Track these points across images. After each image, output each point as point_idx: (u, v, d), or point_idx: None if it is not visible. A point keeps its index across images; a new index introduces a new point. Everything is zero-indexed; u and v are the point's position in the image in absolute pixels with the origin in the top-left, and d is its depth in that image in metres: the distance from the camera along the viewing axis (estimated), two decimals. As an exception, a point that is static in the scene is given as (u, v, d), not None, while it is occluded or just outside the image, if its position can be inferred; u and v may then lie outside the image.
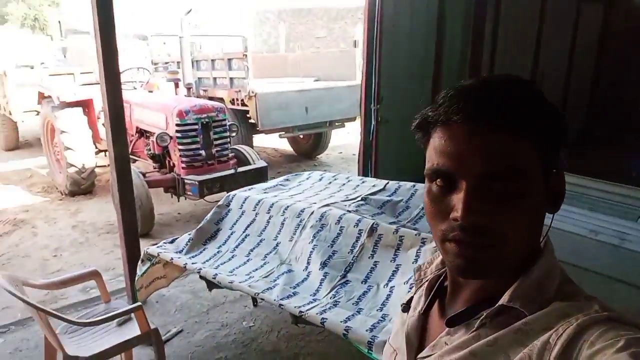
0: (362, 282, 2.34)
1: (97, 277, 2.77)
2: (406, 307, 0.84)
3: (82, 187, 6.24)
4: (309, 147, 8.23)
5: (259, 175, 5.09)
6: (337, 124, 7.53)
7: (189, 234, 3.04)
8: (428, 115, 0.66)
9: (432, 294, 0.79)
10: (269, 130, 6.77)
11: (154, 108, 5.38)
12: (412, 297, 0.85)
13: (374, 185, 3.30)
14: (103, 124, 6.44)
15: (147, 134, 5.58)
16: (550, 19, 5.21)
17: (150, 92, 6.25)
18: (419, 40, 4.92)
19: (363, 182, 3.45)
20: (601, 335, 0.54)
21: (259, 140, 8.87)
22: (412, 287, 0.87)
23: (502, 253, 0.62)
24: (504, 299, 0.64)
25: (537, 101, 0.63)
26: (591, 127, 4.75)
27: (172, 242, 3.06)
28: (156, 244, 3.04)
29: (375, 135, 5.03)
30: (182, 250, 2.96)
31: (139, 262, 3.03)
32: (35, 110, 7.14)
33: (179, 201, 5.35)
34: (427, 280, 0.81)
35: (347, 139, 8.99)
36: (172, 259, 2.79)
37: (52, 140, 6.57)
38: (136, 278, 3.04)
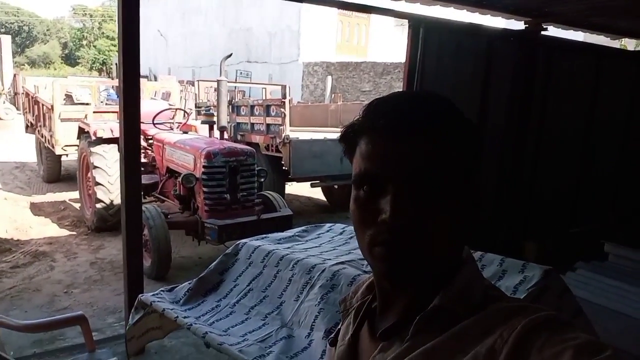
0: None
1: (83, 323, 2.51)
2: (334, 341, 0.81)
3: (109, 223, 6.17)
4: (343, 198, 7.93)
5: (284, 223, 4.82)
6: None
7: (189, 283, 2.78)
8: (354, 124, 0.68)
9: (359, 317, 0.76)
10: (301, 178, 6.57)
11: (184, 149, 5.29)
12: (338, 330, 0.82)
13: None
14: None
15: (176, 175, 5.47)
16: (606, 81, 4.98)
17: (185, 133, 6.21)
18: (464, 97, 4.71)
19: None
20: (547, 341, 0.54)
21: (293, 188, 8.70)
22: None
23: (429, 255, 0.63)
24: (435, 301, 0.64)
25: (455, 113, 0.66)
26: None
27: (170, 290, 2.81)
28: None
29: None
30: (179, 301, 2.69)
31: (132, 309, 2.76)
32: (76, 145, 7.25)
33: (199, 245, 5.13)
34: (353, 309, 0.80)
35: (384, 194, 8.67)
36: (164, 310, 2.52)
37: (86, 175, 6.61)
38: (127, 327, 2.77)
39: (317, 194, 8.82)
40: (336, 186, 7.83)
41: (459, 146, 0.64)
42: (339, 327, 0.83)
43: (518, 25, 5.10)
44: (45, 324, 2.43)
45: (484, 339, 0.58)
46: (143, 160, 6.42)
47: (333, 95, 10.95)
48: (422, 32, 4.49)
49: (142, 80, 9.47)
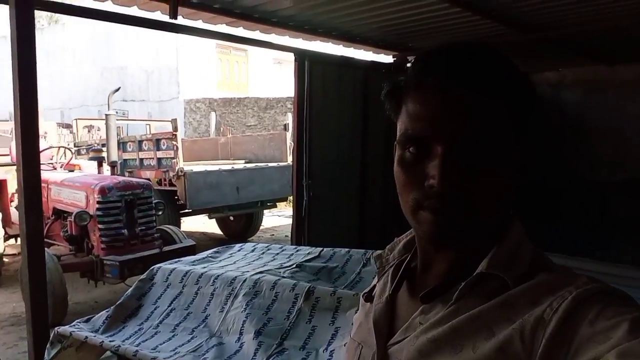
0: (300, 349, 2.19)
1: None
2: (369, 297, 0.78)
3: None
4: (239, 229, 8.04)
5: (187, 255, 4.82)
6: (268, 204, 7.48)
7: (107, 311, 2.74)
8: (400, 81, 0.64)
9: (399, 276, 0.74)
10: (199, 210, 6.58)
11: (73, 186, 5.09)
12: (374, 287, 0.79)
13: (308, 253, 3.21)
14: (16, 207, 5.99)
15: (65, 215, 5.21)
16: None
17: (71, 171, 5.94)
18: (347, 124, 5.21)
19: (297, 250, 3.36)
20: (600, 313, 0.52)
21: (187, 225, 8.58)
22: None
23: (476, 219, 0.61)
24: (482, 267, 0.62)
25: (507, 64, 0.62)
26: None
27: (87, 321, 2.73)
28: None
29: (307, 210, 5.04)
30: (98, 329, 2.64)
31: (48, 344, 2.65)
32: None
33: (96, 286, 4.92)
34: (390, 267, 0.77)
35: (279, 221, 8.92)
36: (86, 337, 2.48)
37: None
38: (42, 364, 2.64)
39: (212, 227, 8.78)
40: (232, 217, 7.92)
41: (514, 105, 0.61)
42: (374, 282, 0.81)
43: (388, 58, 5.79)
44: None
45: (533, 308, 0.56)
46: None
47: (222, 129, 11.06)
48: (308, 64, 4.93)
49: (8, 123, 8.76)
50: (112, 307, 2.77)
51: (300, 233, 5.08)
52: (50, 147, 6.34)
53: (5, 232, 5.94)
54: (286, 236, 7.70)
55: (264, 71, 17.66)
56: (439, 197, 0.59)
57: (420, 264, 0.71)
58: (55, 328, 2.63)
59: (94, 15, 3.50)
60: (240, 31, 4.50)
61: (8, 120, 16.33)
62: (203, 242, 8.39)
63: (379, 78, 5.34)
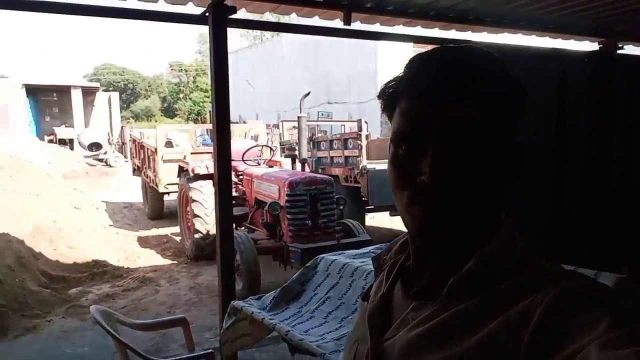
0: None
1: (184, 324, 2.91)
2: (366, 296, 0.82)
3: (205, 252, 6.75)
4: (424, 228, 7.98)
5: (363, 248, 5.05)
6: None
7: (274, 292, 3.09)
8: (394, 81, 0.68)
9: (393, 274, 0.77)
10: (380, 207, 6.77)
11: (270, 180, 5.77)
12: (371, 286, 0.83)
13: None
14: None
15: (263, 205, 5.94)
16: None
17: (271, 167, 6.73)
18: (540, 120, 4.73)
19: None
20: (584, 307, 0.53)
21: (375, 220, 8.91)
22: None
23: (466, 217, 0.63)
24: (470, 264, 0.63)
25: (500, 72, 0.64)
26: None
27: (258, 299, 3.13)
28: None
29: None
30: (265, 307, 3.00)
31: (225, 315, 3.12)
32: (176, 183, 8.07)
33: (285, 269, 5.49)
34: (387, 266, 0.80)
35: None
36: (252, 313, 2.84)
37: (185, 209, 7.32)
38: (221, 331, 3.12)
39: (399, 225, 8.93)
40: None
41: (503, 108, 0.63)
42: (372, 282, 0.84)
43: (592, 47, 5.09)
44: (154, 324, 2.86)
45: (519, 303, 0.57)
46: (234, 193, 7.02)
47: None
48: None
49: (233, 125, 10.37)
50: (278, 289, 3.11)
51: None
52: (256, 146, 7.27)
53: (232, 218, 7.04)
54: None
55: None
56: (430, 193, 0.61)
57: (414, 262, 0.73)
58: (232, 302, 3.07)
59: (273, 27, 3.91)
60: (418, 30, 4.51)
61: (238, 122, 19.04)
62: (387, 237, 8.61)
63: (579, 69, 4.76)
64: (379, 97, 0.71)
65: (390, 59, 16.31)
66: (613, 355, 0.46)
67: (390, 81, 0.69)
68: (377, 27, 4.69)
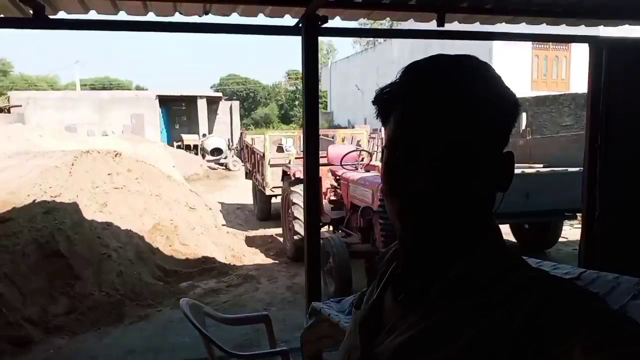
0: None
1: (267, 322, 3.03)
2: (358, 304, 0.82)
3: (304, 253, 6.92)
4: (534, 238, 7.44)
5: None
6: (567, 214, 6.67)
7: (354, 296, 3.09)
8: (388, 92, 0.68)
9: (384, 282, 0.77)
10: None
11: (364, 184, 5.78)
12: (364, 294, 0.83)
13: (565, 273, 2.81)
14: (329, 200, 7.20)
15: (358, 209, 5.97)
16: None
17: (368, 171, 6.73)
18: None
19: (555, 268, 2.98)
20: (568, 311, 0.53)
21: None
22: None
23: (458, 223, 0.64)
24: (457, 269, 0.64)
25: (491, 82, 0.65)
26: None
27: (338, 301, 3.14)
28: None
29: (602, 224, 4.32)
30: (344, 311, 3.01)
31: (307, 315, 3.19)
32: (280, 187, 8.41)
33: (377, 275, 5.46)
34: (379, 274, 0.80)
35: (585, 235, 7.79)
36: (330, 315, 2.87)
37: (287, 211, 7.60)
38: (302, 331, 3.19)
39: (506, 234, 8.41)
40: (527, 226, 7.42)
41: (496, 119, 0.64)
42: (365, 290, 0.84)
43: None
44: (238, 319, 3.01)
45: (503, 306, 0.57)
46: (333, 197, 7.14)
47: (523, 130, 10.42)
48: (605, 53, 4.22)
49: (337, 130, 10.53)
50: (358, 293, 3.10)
51: (591, 251, 4.39)
52: (355, 151, 7.31)
53: (320, 220, 7.19)
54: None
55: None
56: (423, 200, 0.63)
57: (403, 268, 0.73)
58: (312, 303, 3.13)
59: (365, 33, 3.92)
60: (523, 27, 4.25)
61: (346, 127, 19.30)
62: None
63: None
64: (373, 102, 0.71)
65: (506, 58, 15.43)
66: (595, 357, 0.46)
67: (385, 87, 0.69)
68: (477, 27, 4.50)
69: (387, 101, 0.69)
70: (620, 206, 4.22)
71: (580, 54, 15.76)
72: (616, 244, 4.22)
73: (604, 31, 5.03)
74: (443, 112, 0.62)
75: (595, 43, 4.25)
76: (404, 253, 0.72)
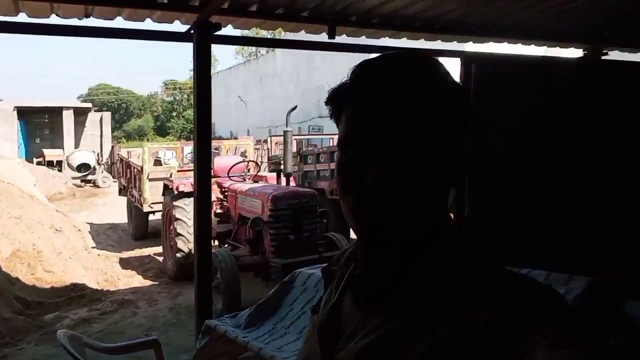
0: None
1: (156, 347, 2.74)
2: (316, 309, 0.79)
3: (187, 272, 6.53)
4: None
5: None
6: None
7: (250, 309, 2.93)
8: (340, 88, 0.68)
9: (342, 284, 0.74)
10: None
11: (253, 195, 5.64)
12: (321, 299, 0.80)
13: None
14: (214, 214, 6.89)
15: (247, 221, 5.78)
16: None
17: (256, 182, 6.60)
18: (522, 131, 4.64)
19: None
20: (531, 310, 0.53)
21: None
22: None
23: (413, 221, 0.63)
24: (417, 270, 0.63)
25: (440, 78, 0.66)
26: None
27: (233, 316, 2.97)
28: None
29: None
30: (240, 325, 2.84)
31: (199, 335, 2.95)
32: (161, 202, 7.88)
33: (267, 286, 5.30)
34: (336, 277, 0.78)
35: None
36: (226, 331, 2.68)
37: (169, 227, 7.13)
38: (195, 352, 2.94)
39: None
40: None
41: (445, 115, 0.64)
42: (322, 295, 0.81)
43: (576, 53, 5.05)
44: (124, 347, 2.67)
45: (466, 306, 0.57)
46: (219, 210, 6.86)
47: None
48: (474, 67, 4.58)
49: (221, 141, 10.19)
50: (254, 306, 2.94)
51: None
52: (242, 162, 7.13)
53: (211, 235, 6.86)
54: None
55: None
56: (375, 197, 0.61)
57: (362, 269, 0.71)
58: (206, 321, 2.90)
59: (257, 43, 3.83)
60: (403, 42, 4.44)
61: (229, 138, 18.88)
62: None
63: (565, 77, 4.70)
64: (326, 103, 0.70)
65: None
66: (560, 354, 0.46)
67: (337, 87, 0.69)
68: (362, 40, 4.64)
69: (338, 99, 0.68)
70: (487, 207, 4.57)
71: (453, 67, 17.30)
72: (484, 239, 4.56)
73: (472, 47, 5.50)
74: (392, 108, 0.62)
75: (465, 58, 4.60)
76: (362, 253, 0.71)
